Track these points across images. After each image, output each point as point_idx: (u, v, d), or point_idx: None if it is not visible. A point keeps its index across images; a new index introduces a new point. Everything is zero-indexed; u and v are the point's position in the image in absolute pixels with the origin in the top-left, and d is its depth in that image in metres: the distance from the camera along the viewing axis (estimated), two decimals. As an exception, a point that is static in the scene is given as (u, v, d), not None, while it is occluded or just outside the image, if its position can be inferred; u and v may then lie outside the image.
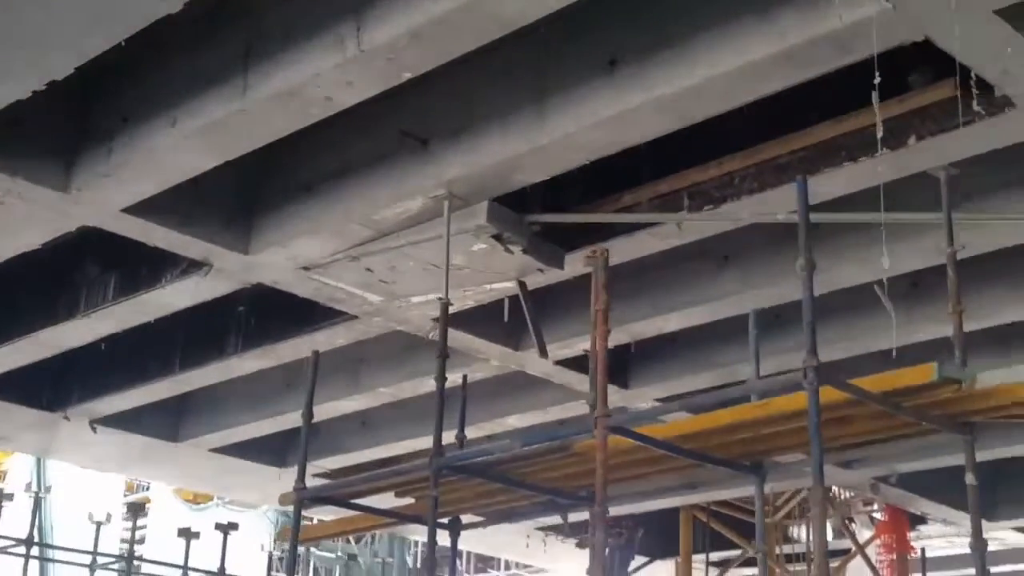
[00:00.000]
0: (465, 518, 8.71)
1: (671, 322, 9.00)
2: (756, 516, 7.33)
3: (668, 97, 6.19)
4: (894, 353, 7.27)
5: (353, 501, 8.43)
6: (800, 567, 14.13)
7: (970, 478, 6.34)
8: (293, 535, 7.69)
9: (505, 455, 7.02)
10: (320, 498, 8.36)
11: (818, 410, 5.55)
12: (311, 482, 12.01)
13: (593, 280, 6.88)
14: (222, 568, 12.58)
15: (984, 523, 13.29)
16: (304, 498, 7.75)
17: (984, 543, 6.25)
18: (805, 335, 5.74)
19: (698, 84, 6.07)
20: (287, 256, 7.97)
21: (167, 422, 11.90)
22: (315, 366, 7.91)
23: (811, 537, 13.64)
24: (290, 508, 8.19)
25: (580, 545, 13.98)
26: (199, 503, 24.55)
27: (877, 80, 5.63)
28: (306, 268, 8.12)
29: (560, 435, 7.17)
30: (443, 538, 7.97)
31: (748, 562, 15.02)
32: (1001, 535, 14.17)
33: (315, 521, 13.44)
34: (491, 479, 7.21)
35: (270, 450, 12.55)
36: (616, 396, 9.47)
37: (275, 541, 22.27)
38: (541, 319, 9.12)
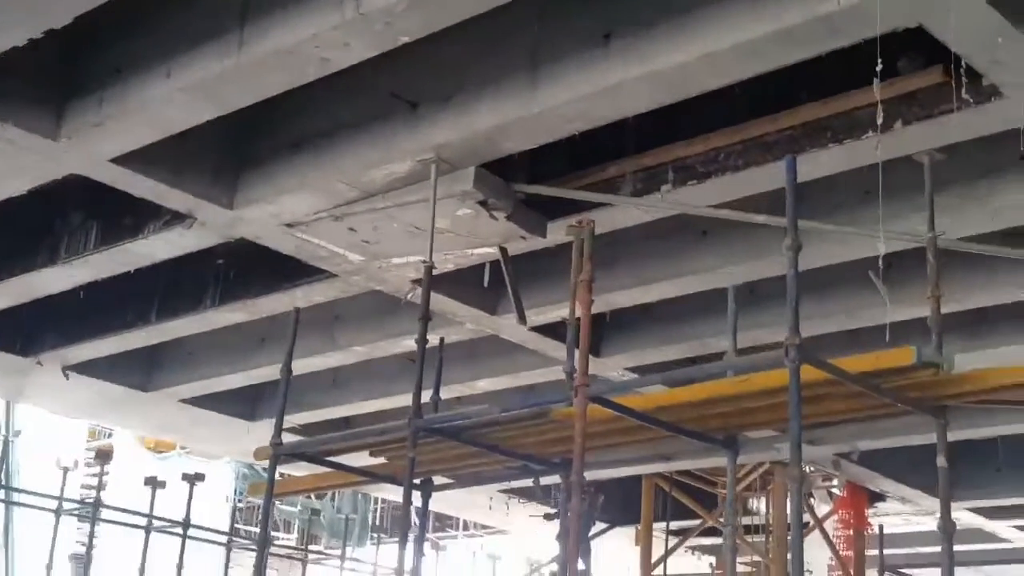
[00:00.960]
0: (436, 479, 8.80)
1: (650, 293, 9.07)
2: (727, 489, 7.43)
3: (661, 72, 6.23)
4: (887, 336, 7.35)
5: (327, 459, 8.47)
6: (758, 539, 14.30)
7: (941, 461, 6.43)
8: (268, 490, 7.73)
9: (483, 420, 7.08)
10: (295, 454, 8.39)
11: (798, 388, 5.64)
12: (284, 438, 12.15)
13: (574, 250, 6.97)
14: (187, 518, 12.62)
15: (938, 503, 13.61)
16: (280, 454, 7.78)
17: (953, 525, 6.37)
18: (788, 313, 5.81)
19: (692, 60, 6.10)
20: (271, 212, 8.00)
21: (139, 371, 11.92)
22: (295, 323, 7.94)
23: (770, 509, 13.84)
24: (253, 461, 8.23)
25: (548, 517, 14.08)
26: (162, 452, 24.50)
27: (879, 67, 5.69)
28: (289, 225, 8.14)
29: (539, 402, 7.25)
30: (414, 498, 8.05)
31: (707, 532, 15.19)
32: (957, 515, 14.35)
33: (285, 476, 13.47)
34: (467, 443, 7.27)
35: (240, 403, 12.60)
36: (589, 364, 9.54)
37: (242, 495, 22.35)
38: (518, 285, 9.19)
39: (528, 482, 10.01)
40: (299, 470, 11.88)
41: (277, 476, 9.13)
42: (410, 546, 6.99)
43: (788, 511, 13.03)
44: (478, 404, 10.59)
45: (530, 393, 11.19)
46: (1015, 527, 15.13)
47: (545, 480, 9.39)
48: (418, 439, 7.00)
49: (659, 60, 6.18)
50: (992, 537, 15.11)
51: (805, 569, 13.92)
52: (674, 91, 6.53)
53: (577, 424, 6.18)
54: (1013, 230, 7.93)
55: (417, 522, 9.28)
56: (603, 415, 6.66)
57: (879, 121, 6.02)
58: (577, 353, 6.54)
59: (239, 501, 22.64)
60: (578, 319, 6.65)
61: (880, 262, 6.67)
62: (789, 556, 13.05)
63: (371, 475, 8.80)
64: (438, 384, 8.38)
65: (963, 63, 6.15)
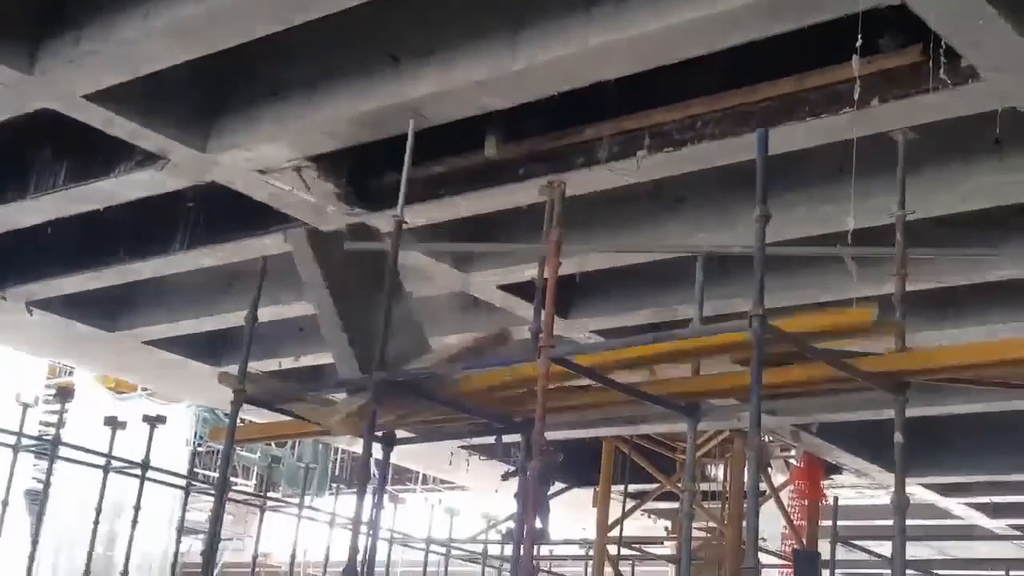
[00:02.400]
0: (398, 432, 8.80)
1: (622, 257, 9.11)
2: (687, 455, 7.49)
3: (642, 37, 6.24)
4: (854, 306, 7.40)
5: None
6: (715, 505, 14.43)
7: (898, 437, 6.46)
8: (228, 435, 7.73)
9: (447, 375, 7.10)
10: (258, 401, 8.39)
11: (760, 359, 5.66)
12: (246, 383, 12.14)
13: (546, 211, 6.97)
14: (146, 460, 12.54)
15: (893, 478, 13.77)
16: (243, 400, 7.77)
17: (906, 499, 6.43)
18: (755, 285, 5.83)
19: (674, 27, 6.11)
20: (245, 158, 7.98)
21: (104, 311, 11.88)
22: (263, 271, 7.93)
23: (728, 476, 13.97)
24: (215, 406, 8.23)
25: (505, 477, 14.17)
26: (122, 392, 24.40)
27: (859, 43, 5.71)
28: (263, 171, 8.13)
29: (503, 361, 7.27)
30: (376, 451, 8.07)
31: (664, 496, 15.33)
32: (911, 491, 14.56)
33: (246, 422, 13.46)
34: (431, 398, 7.28)
35: (205, 348, 12.59)
36: (556, 325, 9.57)
37: (203, 439, 22.31)
38: (490, 240, 9.23)
39: (488, 439, 10.10)
40: (262, 417, 11.89)
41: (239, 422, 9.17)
42: (368, 497, 7.01)
43: (745, 479, 13.18)
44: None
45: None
46: (966, 504, 15.37)
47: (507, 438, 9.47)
48: (381, 393, 7.00)
49: (641, 25, 6.18)
50: (944, 513, 15.35)
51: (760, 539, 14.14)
52: (654, 57, 6.55)
53: (539, 384, 6.20)
54: (982, 213, 8.01)
55: (377, 474, 9.32)
56: (566, 376, 6.67)
57: (856, 95, 6.03)
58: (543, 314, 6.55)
59: (199, 445, 22.62)
60: (546, 280, 6.67)
61: (849, 237, 6.71)
62: (744, 523, 13.26)
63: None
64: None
65: (942, 43, 6.18)
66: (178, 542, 13.68)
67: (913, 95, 6.53)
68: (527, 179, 7.94)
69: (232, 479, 24.28)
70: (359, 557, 6.90)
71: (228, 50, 6.95)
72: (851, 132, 6.96)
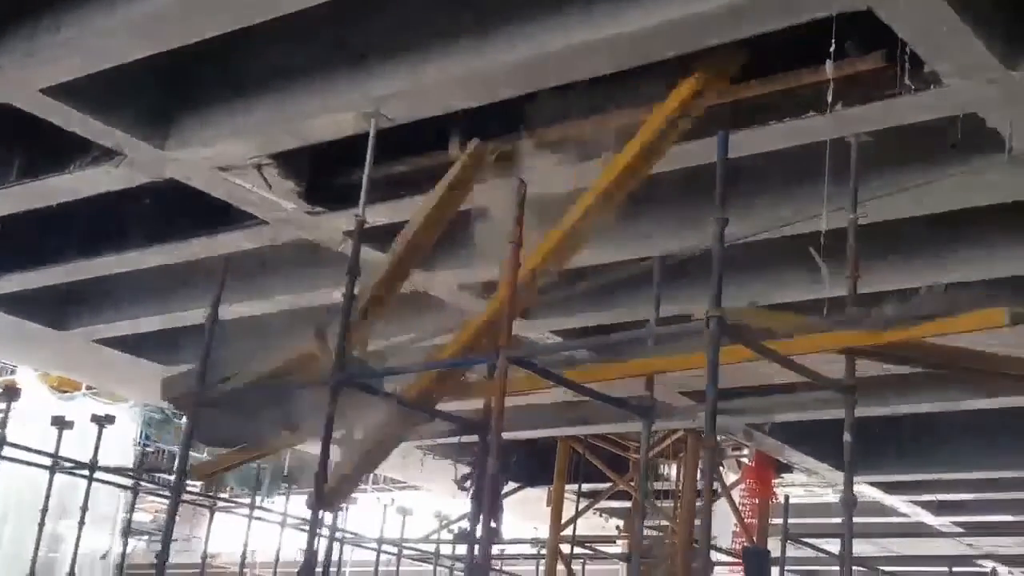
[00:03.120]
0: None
1: (583, 258, 9.10)
2: (641, 456, 7.52)
3: (613, 39, 6.23)
4: (825, 311, 7.45)
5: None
6: (667, 504, 14.48)
7: (847, 436, 6.57)
8: (186, 438, 7.65)
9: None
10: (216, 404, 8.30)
11: (716, 359, 5.67)
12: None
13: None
14: (94, 460, 12.42)
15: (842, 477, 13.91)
16: (201, 404, 7.69)
17: (854, 498, 6.52)
18: (712, 285, 5.85)
19: (646, 29, 6.12)
20: (205, 155, 7.91)
21: (54, 309, 11.73)
22: (225, 272, 7.86)
23: (681, 476, 14.02)
24: (164, 405, 8.15)
25: (462, 483, 14.16)
26: (65, 391, 24.11)
27: (833, 48, 5.74)
28: (223, 169, 8.06)
29: (463, 362, 7.26)
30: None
31: (616, 495, 15.38)
32: (858, 489, 14.72)
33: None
34: (389, 400, 7.24)
35: (156, 347, 12.45)
36: (515, 325, 9.57)
37: (149, 439, 22.11)
38: (449, 243, 9.19)
39: (442, 440, 10.08)
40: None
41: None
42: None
43: (698, 478, 13.25)
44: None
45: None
46: (912, 502, 15.55)
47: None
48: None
49: (611, 27, 6.19)
50: (891, 511, 15.51)
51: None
52: (626, 59, 6.54)
53: (498, 385, 6.20)
54: (937, 217, 8.10)
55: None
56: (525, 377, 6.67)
57: (830, 100, 6.08)
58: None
59: (147, 446, 22.43)
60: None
61: (822, 239, 6.76)
62: (697, 522, 13.34)
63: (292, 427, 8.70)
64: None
65: (907, 49, 6.24)
66: (125, 543, 13.56)
67: (877, 100, 6.59)
68: (489, 179, 7.92)
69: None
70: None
71: (189, 46, 6.87)
72: (815, 135, 7.03)
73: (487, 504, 6.10)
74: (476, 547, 6.78)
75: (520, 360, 6.40)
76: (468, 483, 12.65)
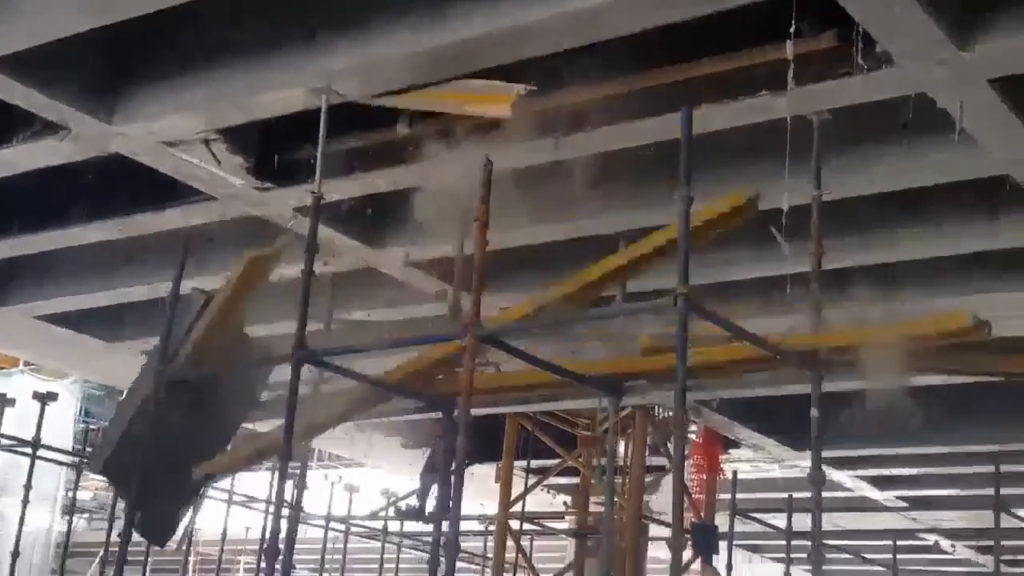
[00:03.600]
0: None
1: (537, 235, 9.10)
2: (608, 433, 7.56)
3: (568, 16, 6.19)
4: (788, 289, 7.46)
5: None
6: (616, 479, 14.51)
7: (814, 413, 6.62)
8: (154, 415, 7.57)
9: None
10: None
11: (685, 337, 5.70)
12: (141, 360, 11.89)
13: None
14: (37, 438, 12.30)
15: (792, 452, 14.04)
16: (163, 381, 7.62)
17: (822, 474, 6.56)
18: (679, 264, 5.88)
19: (600, 5, 6.09)
20: (152, 130, 7.78)
21: (-6, 284, 11.53)
22: (185, 251, 7.78)
23: (629, 451, 14.06)
24: (110, 382, 8.06)
25: (405, 445, 14.12)
26: (2, 368, 23.80)
27: (793, 28, 5.73)
28: (170, 144, 7.94)
29: (428, 340, 7.23)
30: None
31: (564, 471, 15.40)
32: (804, 464, 14.85)
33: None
34: (351, 376, 7.21)
35: (100, 323, 12.27)
36: (468, 301, 9.54)
37: (89, 415, 21.86)
38: (402, 222, 9.15)
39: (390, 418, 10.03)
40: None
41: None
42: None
43: (645, 454, 13.32)
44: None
45: (408, 327, 11.13)
46: (856, 477, 15.73)
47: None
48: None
49: (566, 4, 6.15)
50: (837, 486, 15.68)
51: (658, 512, 14.27)
52: (584, 34, 6.50)
53: (466, 363, 6.18)
54: (889, 195, 8.16)
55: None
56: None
57: (790, 78, 6.10)
58: (463, 293, 6.52)
59: (87, 423, 22.19)
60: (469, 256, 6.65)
61: (783, 218, 6.79)
62: (645, 497, 13.41)
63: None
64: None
65: (860, 29, 6.26)
66: (70, 522, 13.44)
67: (830, 79, 6.61)
68: (444, 156, 7.87)
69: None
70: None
71: (136, 19, 6.75)
72: (769, 114, 7.04)
73: (455, 482, 6.09)
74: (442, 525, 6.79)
75: (488, 338, 6.38)
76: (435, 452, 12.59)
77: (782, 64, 6.63)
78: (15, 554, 11.87)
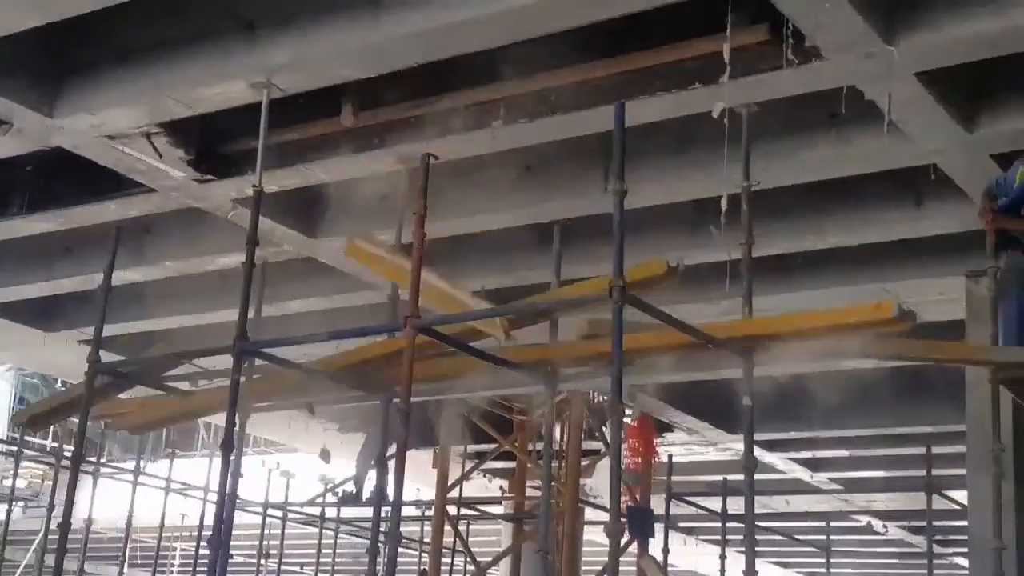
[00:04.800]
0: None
1: (473, 224, 9.22)
2: (546, 419, 7.72)
3: (505, 12, 6.32)
4: (726, 278, 7.62)
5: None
6: (552, 463, 14.63)
7: (747, 400, 6.76)
8: (84, 407, 7.61)
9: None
10: (116, 373, 8.27)
11: (621, 327, 5.83)
12: (78, 349, 11.88)
13: (406, 181, 7.01)
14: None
15: (726, 435, 14.25)
16: (99, 372, 7.66)
17: (755, 460, 6.70)
18: (613, 256, 5.97)
19: (532, 4, 6.23)
20: (93, 123, 7.83)
21: (-68, 276, 11.46)
22: (116, 241, 7.81)
23: (566, 436, 14.22)
24: (47, 372, 8.08)
25: (343, 430, 14.18)
26: (-65, 357, 23.50)
27: (729, 21, 5.88)
28: (111, 137, 7.99)
29: (368, 331, 7.32)
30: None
31: (501, 456, 15.52)
32: (738, 447, 15.07)
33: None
34: (293, 367, 7.30)
35: (37, 313, 12.25)
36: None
37: (23, 402, 21.74)
38: (342, 210, 9.25)
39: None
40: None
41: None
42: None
43: (581, 438, 13.46)
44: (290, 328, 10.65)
45: (342, 316, 11.23)
46: (789, 459, 15.97)
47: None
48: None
49: (503, 1, 6.27)
50: (769, 468, 15.91)
51: (593, 495, 14.43)
52: (516, 31, 6.64)
53: (405, 355, 6.28)
54: (819, 183, 8.37)
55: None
56: (429, 344, 6.75)
57: (727, 70, 6.28)
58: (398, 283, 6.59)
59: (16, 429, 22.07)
60: (407, 245, 6.73)
61: (723, 203, 6.95)
62: (581, 481, 13.58)
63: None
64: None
65: (790, 24, 6.44)
66: (9, 510, 13.40)
67: (760, 72, 6.79)
68: (383, 147, 8.00)
69: (56, 444, 23.74)
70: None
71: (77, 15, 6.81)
72: (702, 106, 7.21)
73: (397, 473, 6.19)
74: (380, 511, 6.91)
75: (426, 329, 6.48)
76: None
77: (712, 58, 6.81)
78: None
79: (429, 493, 15.02)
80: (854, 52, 6.52)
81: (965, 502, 9.05)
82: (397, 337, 6.82)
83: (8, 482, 20.87)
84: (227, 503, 7.05)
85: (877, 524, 18.79)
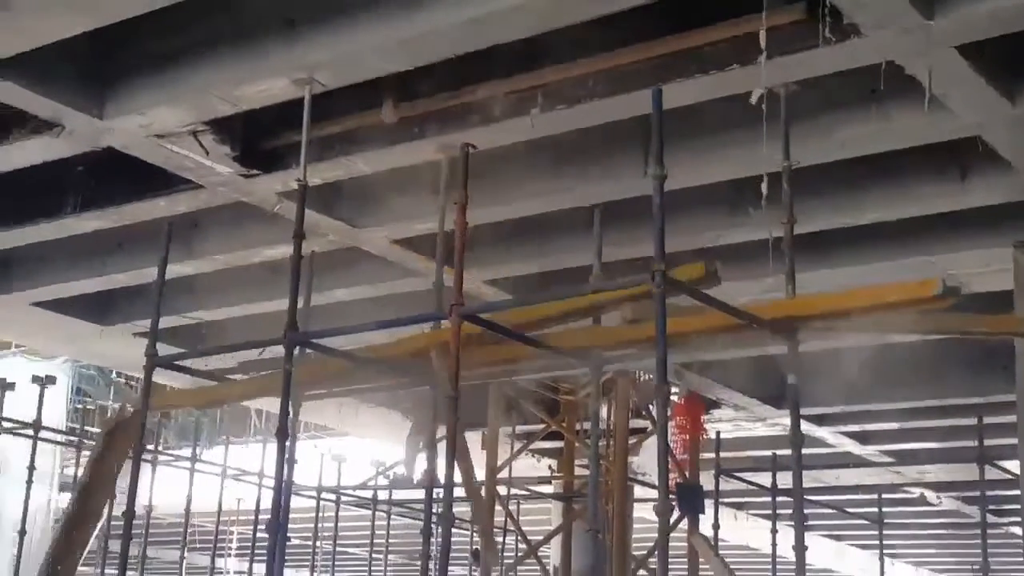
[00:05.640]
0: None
1: (512, 210, 9.32)
2: (592, 401, 7.81)
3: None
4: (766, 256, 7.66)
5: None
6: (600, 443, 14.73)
7: (791, 379, 6.85)
8: (144, 400, 7.80)
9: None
10: (173, 366, 8.47)
11: (664, 313, 5.93)
12: (133, 342, 12.12)
13: (444, 170, 7.13)
14: (38, 420, 12.57)
15: (774, 410, 14.27)
16: (156, 364, 7.84)
17: (802, 437, 6.79)
18: (655, 241, 6.09)
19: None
20: (142, 123, 7.97)
21: (-6, 275, 11.73)
22: (168, 237, 8.00)
23: (612, 415, 14.33)
24: (103, 364, 8.26)
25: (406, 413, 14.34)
26: (-5, 350, 23.88)
27: (765, 3, 5.93)
28: (160, 136, 8.15)
29: (414, 320, 7.45)
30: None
31: (548, 436, 15.66)
32: (785, 422, 15.14)
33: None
34: (344, 357, 7.45)
35: (93, 307, 12.50)
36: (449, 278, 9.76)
37: (80, 395, 22.06)
38: (381, 197, 9.39)
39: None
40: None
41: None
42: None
43: (628, 417, 13.54)
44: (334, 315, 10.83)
45: (388, 304, 11.38)
46: (839, 433, 15.98)
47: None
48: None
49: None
50: (819, 443, 15.93)
51: (640, 472, 14.52)
52: (553, 19, 6.71)
53: (452, 342, 6.41)
54: (856, 160, 8.40)
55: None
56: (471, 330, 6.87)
57: (763, 49, 6.31)
58: (445, 271, 6.70)
59: (78, 402, 22.42)
60: (449, 232, 6.84)
61: (764, 188, 7.01)
62: (630, 459, 13.68)
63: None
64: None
65: (827, 3, 6.47)
66: (73, 499, 13.67)
67: (797, 52, 6.83)
68: (423, 138, 8.10)
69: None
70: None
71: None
72: (737, 87, 7.27)
73: (448, 458, 6.33)
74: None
75: (471, 316, 6.61)
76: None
77: (748, 39, 6.85)
78: (22, 532, 12.23)
79: (479, 474, 15.16)
80: (892, 28, 6.52)
81: (1018, 472, 9.07)
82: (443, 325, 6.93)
83: (71, 471, 21.30)
84: (284, 489, 7.19)
85: (930, 495, 18.76)
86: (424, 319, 7.44)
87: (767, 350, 9.83)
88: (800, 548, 6.76)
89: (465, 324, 6.58)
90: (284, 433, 6.77)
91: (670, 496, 5.82)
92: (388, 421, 15.24)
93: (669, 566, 5.69)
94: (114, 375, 23.97)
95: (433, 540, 7.52)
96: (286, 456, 7.06)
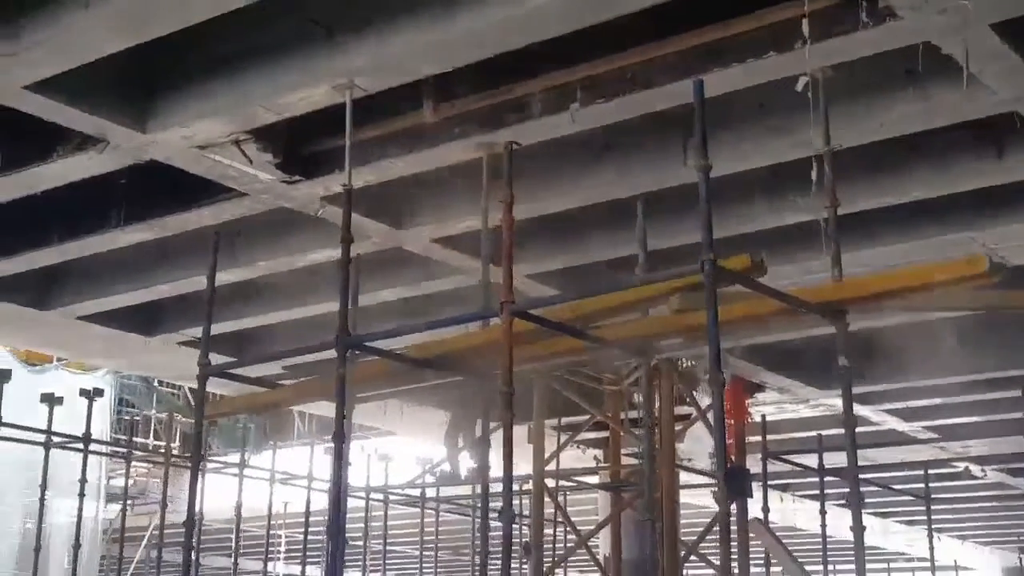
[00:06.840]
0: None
1: (551, 204, 9.37)
2: (643, 391, 7.84)
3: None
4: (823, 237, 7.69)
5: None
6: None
7: (843, 360, 6.88)
8: (199, 409, 7.90)
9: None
10: (225, 374, 8.57)
11: (715, 302, 5.97)
12: (180, 351, 12.25)
13: (485, 168, 7.18)
14: (87, 433, 12.67)
15: (818, 391, 14.27)
16: (209, 374, 7.94)
17: (855, 419, 6.82)
18: (702, 232, 6.12)
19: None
20: (185, 135, 8.06)
21: (35, 289, 11.82)
22: (216, 246, 8.08)
23: (658, 404, 14.34)
24: (151, 375, 8.35)
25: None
26: (35, 364, 24.15)
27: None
28: (203, 147, 8.23)
29: (464, 319, 7.52)
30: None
31: (593, 427, 15.69)
32: (832, 402, 15.19)
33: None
34: (395, 358, 7.52)
35: (138, 318, 12.62)
36: (492, 272, 9.82)
37: (123, 406, 22.28)
38: (422, 198, 9.46)
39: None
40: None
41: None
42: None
43: (674, 405, 13.55)
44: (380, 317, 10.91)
45: (430, 303, 11.46)
46: (884, 411, 15.98)
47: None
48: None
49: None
50: (863, 421, 15.92)
51: (685, 459, 14.51)
52: (591, 14, 6.75)
53: (504, 339, 6.46)
54: (899, 139, 8.41)
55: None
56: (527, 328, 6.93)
57: (806, 34, 6.34)
58: (494, 270, 6.75)
59: (121, 412, 22.64)
60: (495, 229, 6.91)
61: (814, 174, 7.04)
62: (678, 444, 13.69)
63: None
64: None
65: (861, -15, 6.50)
66: (124, 509, 13.87)
67: (836, 36, 6.85)
68: (464, 138, 8.16)
69: (156, 442, 24.37)
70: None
71: (164, 32, 7.03)
72: (776, 73, 7.29)
73: (505, 448, 6.40)
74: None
75: (522, 312, 6.66)
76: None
77: (786, 25, 6.89)
78: (76, 545, 12.40)
79: (525, 468, 15.22)
80: (927, 9, 6.54)
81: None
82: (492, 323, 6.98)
83: (115, 481, 21.53)
84: (341, 491, 7.27)
85: (975, 469, 18.72)
86: (475, 318, 7.50)
87: (811, 332, 9.84)
88: (858, 528, 6.79)
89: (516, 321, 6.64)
90: (340, 436, 6.85)
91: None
92: (432, 419, 15.30)
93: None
94: (155, 383, 24.21)
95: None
96: (343, 459, 7.11)
